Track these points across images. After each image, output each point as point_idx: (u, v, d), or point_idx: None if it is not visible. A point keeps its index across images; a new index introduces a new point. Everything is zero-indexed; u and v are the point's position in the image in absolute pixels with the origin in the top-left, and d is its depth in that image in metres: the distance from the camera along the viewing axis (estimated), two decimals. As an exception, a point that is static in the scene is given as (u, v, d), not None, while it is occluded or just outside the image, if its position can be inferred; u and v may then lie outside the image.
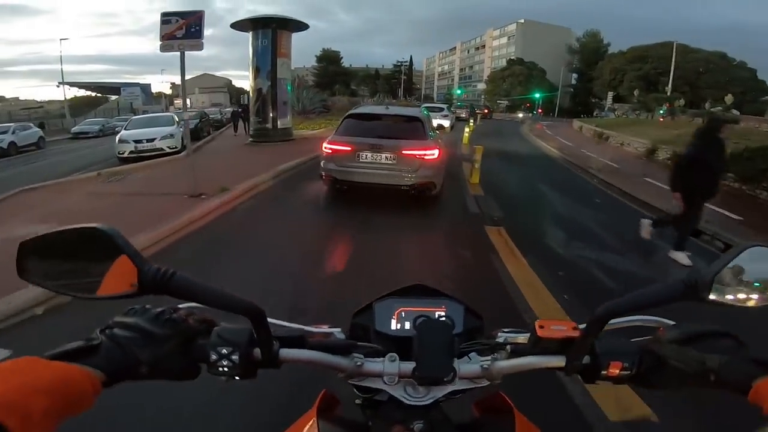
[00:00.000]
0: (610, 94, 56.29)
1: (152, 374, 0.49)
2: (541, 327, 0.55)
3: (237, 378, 0.52)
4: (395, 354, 0.58)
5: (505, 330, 0.62)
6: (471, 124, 19.96)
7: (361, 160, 5.89)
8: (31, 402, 0.36)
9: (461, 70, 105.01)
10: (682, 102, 42.50)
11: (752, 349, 0.48)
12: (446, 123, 21.30)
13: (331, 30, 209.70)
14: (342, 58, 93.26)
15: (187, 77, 7.42)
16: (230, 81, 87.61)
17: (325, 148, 6.17)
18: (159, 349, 0.49)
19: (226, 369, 0.51)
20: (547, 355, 0.55)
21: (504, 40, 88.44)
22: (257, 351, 0.52)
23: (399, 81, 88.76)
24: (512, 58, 78.13)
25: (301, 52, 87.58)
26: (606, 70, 64.97)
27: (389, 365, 0.58)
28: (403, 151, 5.80)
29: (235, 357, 0.51)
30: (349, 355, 0.58)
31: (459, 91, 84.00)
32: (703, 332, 0.51)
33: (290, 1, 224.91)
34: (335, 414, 0.69)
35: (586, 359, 0.54)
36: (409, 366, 0.56)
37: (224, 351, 0.51)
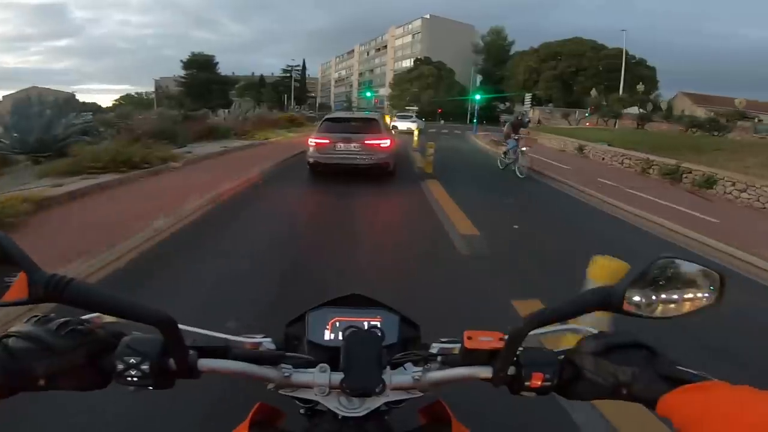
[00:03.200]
0: (528, 96, 50.11)
1: (51, 386, 0.48)
2: (469, 338, 0.55)
3: (150, 388, 0.50)
4: (326, 365, 0.57)
5: (442, 340, 0.61)
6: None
7: (336, 149, 8.67)
8: None
9: (360, 74, 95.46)
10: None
11: (670, 359, 0.48)
12: (414, 126, 26.05)
13: (221, 41, 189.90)
14: (217, 63, 77.11)
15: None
16: (73, 95, 73.12)
17: (310, 142, 8.93)
18: (58, 362, 0.47)
19: (135, 379, 0.49)
20: (475, 365, 0.55)
21: (408, 38, 79.96)
22: (171, 361, 0.51)
23: (289, 88, 76.32)
24: (419, 57, 69.55)
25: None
26: (520, 69, 59.03)
27: (319, 376, 0.56)
28: (365, 141, 8.65)
29: (144, 367, 0.49)
30: (278, 365, 0.57)
31: (369, 94, 73.15)
32: (619, 343, 0.51)
33: (175, 11, 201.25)
34: (273, 426, 0.66)
35: (512, 370, 0.53)
36: (339, 377, 0.55)
37: (132, 360, 0.49)
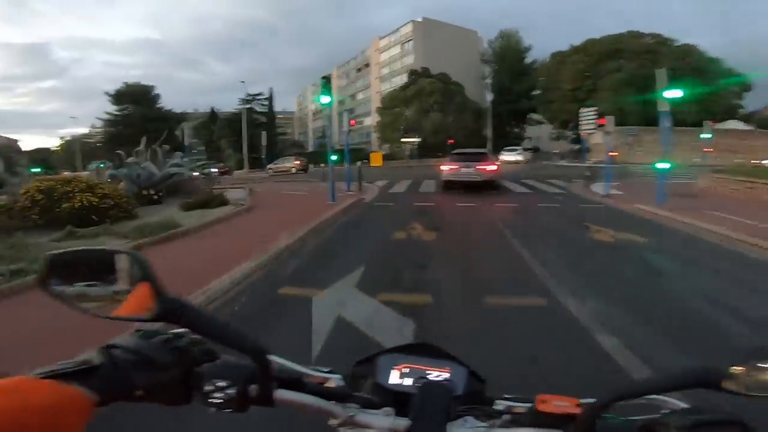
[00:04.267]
0: (590, 113, 32.88)
1: (146, 398, 0.50)
2: (543, 401, 0.55)
3: (228, 410, 0.53)
4: (391, 409, 0.59)
5: (507, 396, 0.61)
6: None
7: (461, 171, 13.91)
8: (26, 422, 0.37)
9: (340, 102, 78.93)
10: None
11: None
12: (521, 158, 31.36)
13: (204, 81, 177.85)
14: (157, 95, 58.26)
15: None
16: (7, 140, 56.30)
17: (443, 168, 14.50)
18: (157, 376, 0.50)
19: (219, 401, 0.53)
20: (544, 427, 0.54)
21: (396, 50, 63.52)
22: (253, 387, 0.54)
23: (251, 124, 58.13)
24: (415, 69, 52.44)
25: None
26: (565, 75, 41.87)
27: (383, 419, 0.57)
28: (478, 166, 13.79)
29: (231, 391, 0.52)
30: (345, 403, 0.59)
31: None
32: (711, 420, 0.47)
33: (155, 52, 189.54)
34: None
35: None
36: (402, 422, 0.56)
37: (221, 384, 0.53)
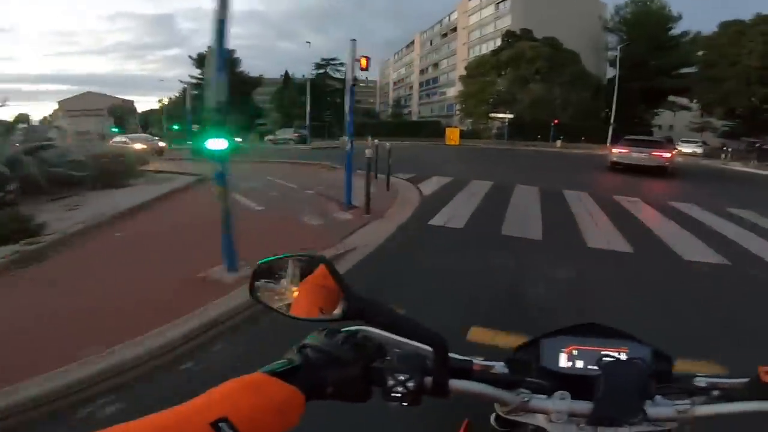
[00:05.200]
0: None
1: (335, 395, 0.51)
2: (766, 372, 0.53)
3: (405, 404, 0.53)
4: (566, 392, 0.58)
5: (701, 375, 0.60)
6: None
7: (632, 155, 13.73)
8: (266, 419, 0.40)
9: (422, 72, 69.50)
10: None
11: None
12: (699, 150, 25.96)
13: (299, 51, 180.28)
14: (237, 59, 55.53)
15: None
16: (123, 101, 65.76)
17: (614, 150, 14.55)
18: (344, 373, 0.51)
19: (399, 395, 0.52)
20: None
21: (489, 10, 52.56)
22: (428, 379, 0.53)
23: (327, 91, 51.25)
24: (512, 30, 41.80)
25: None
26: (749, 49, 29.44)
27: (559, 403, 0.57)
28: (653, 153, 13.62)
29: (410, 384, 0.52)
30: (514, 389, 0.58)
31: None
32: None
33: (260, 23, 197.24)
34: None
35: None
36: (581, 405, 0.56)
37: (401, 377, 0.52)
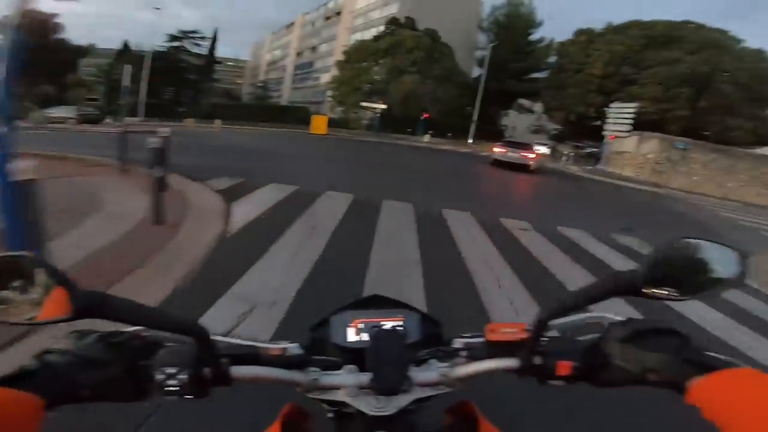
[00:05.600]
0: (623, 109, 22.30)
1: (95, 398, 0.49)
2: (492, 331, 0.57)
3: (189, 397, 0.52)
4: (353, 366, 0.58)
5: (464, 335, 0.62)
6: None
7: (509, 154, 17.36)
8: None
9: (298, 54, 65.32)
10: None
11: (700, 345, 0.48)
12: (547, 151, 27.82)
13: (165, 24, 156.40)
14: (56, 24, 45.28)
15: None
16: None
17: (495, 149, 18.15)
18: (99, 374, 0.49)
19: (174, 389, 0.51)
20: (500, 357, 0.56)
21: (375, -3, 50.42)
22: (207, 370, 0.52)
23: (173, 67, 43.80)
24: (396, 18, 39.93)
25: None
26: (594, 59, 31.15)
27: (347, 377, 0.57)
28: (522, 153, 17.31)
29: (182, 376, 0.51)
30: (305, 369, 0.58)
31: None
32: (647, 329, 0.50)
33: None
34: (302, 428, 0.68)
35: (538, 360, 0.53)
36: (367, 377, 0.56)
37: (170, 371, 0.51)
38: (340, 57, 42.32)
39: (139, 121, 26.93)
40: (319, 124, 28.45)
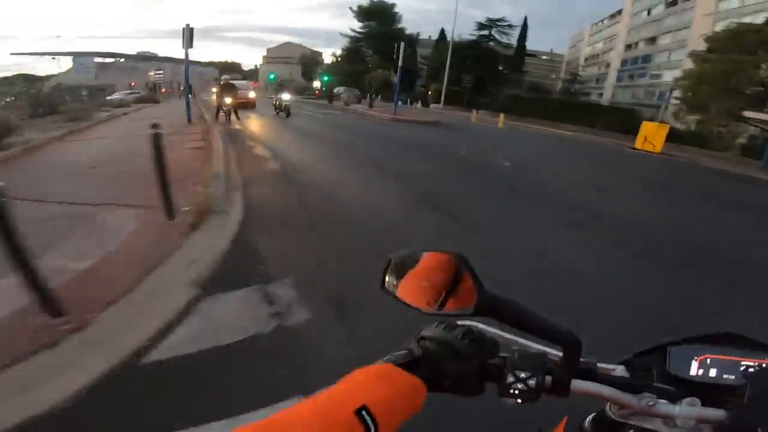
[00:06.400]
0: None
1: (450, 388, 0.52)
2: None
3: (519, 401, 0.54)
4: (696, 399, 0.58)
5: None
6: None
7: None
8: (397, 407, 0.43)
9: (628, 47, 53.81)
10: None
11: None
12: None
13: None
14: (396, 14, 55.98)
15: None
16: (311, 51, 74.09)
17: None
18: (463, 367, 0.52)
19: (516, 392, 0.53)
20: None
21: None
22: (549, 378, 0.54)
23: (481, 56, 42.69)
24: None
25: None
26: None
27: (688, 409, 0.57)
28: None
29: (531, 382, 0.53)
30: (637, 393, 0.58)
31: None
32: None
33: None
34: None
35: None
36: (712, 412, 0.56)
37: (522, 375, 0.53)
38: (696, 48, 30.72)
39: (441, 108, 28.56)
40: (652, 136, 19.26)
